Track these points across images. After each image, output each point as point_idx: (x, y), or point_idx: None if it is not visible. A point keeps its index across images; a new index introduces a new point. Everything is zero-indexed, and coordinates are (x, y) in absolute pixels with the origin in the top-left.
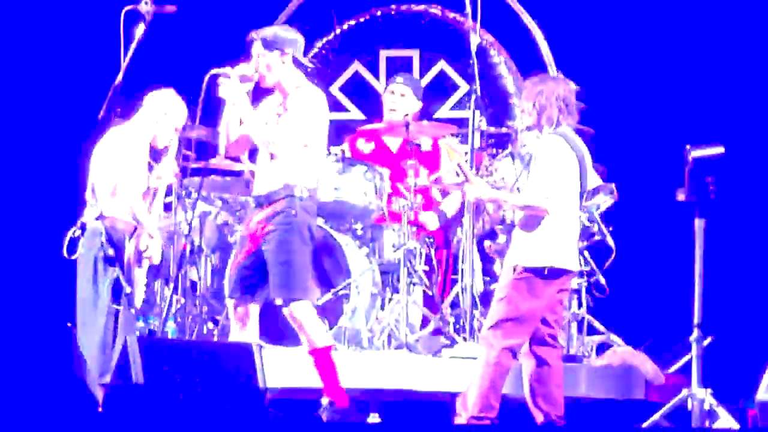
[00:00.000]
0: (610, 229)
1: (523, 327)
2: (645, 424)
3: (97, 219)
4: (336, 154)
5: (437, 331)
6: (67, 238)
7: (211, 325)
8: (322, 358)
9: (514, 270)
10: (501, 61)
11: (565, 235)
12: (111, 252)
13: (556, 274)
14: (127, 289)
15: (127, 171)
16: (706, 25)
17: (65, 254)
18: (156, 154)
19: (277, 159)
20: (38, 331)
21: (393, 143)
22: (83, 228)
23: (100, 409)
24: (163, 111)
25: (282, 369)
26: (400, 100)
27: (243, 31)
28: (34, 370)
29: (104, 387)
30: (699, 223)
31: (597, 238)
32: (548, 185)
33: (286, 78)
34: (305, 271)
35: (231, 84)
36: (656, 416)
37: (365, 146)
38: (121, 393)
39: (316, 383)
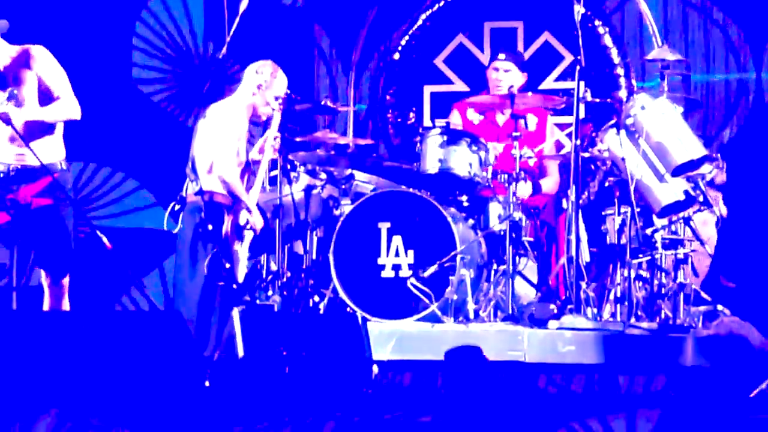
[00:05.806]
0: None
1: None
2: (752, 394)
3: (196, 194)
4: (441, 126)
5: (546, 299)
6: (167, 212)
7: (317, 298)
8: None
9: None
10: (606, 31)
11: None
12: (210, 227)
13: None
14: (227, 265)
15: (224, 146)
16: None
17: (165, 228)
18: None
19: None
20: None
21: (501, 118)
22: (183, 202)
23: (207, 383)
24: (261, 82)
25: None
26: (504, 75)
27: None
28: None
29: (206, 360)
30: None
31: (702, 208)
32: None
33: None
34: None
35: None
36: (763, 385)
37: (474, 116)
38: (225, 366)
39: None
